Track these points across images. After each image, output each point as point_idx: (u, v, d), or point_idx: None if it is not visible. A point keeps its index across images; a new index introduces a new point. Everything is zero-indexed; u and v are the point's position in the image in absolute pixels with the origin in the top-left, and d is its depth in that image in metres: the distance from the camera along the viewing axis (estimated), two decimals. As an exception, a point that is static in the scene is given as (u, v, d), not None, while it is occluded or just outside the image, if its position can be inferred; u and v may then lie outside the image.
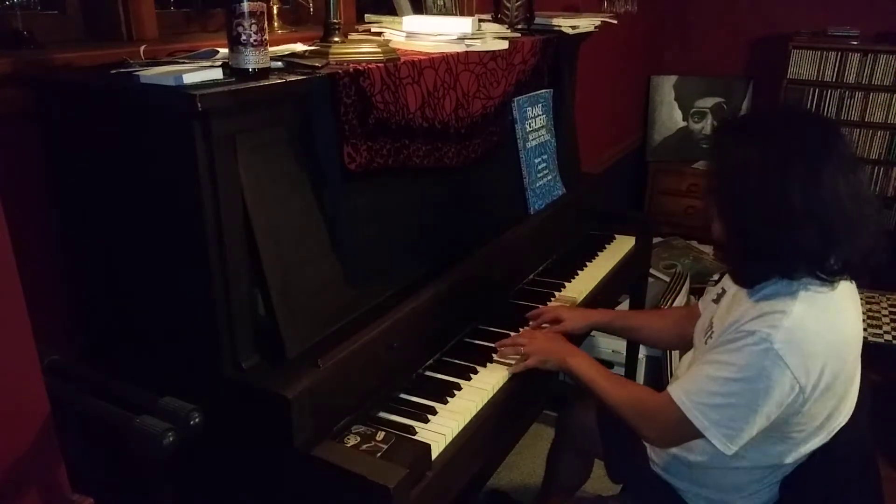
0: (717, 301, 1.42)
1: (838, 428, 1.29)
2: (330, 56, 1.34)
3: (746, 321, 1.21)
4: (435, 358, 1.56)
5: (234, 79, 1.14)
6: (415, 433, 1.30)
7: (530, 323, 1.73)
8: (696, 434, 1.26)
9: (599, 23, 2.30)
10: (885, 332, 2.94)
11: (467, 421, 1.38)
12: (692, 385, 1.26)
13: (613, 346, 2.72)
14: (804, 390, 1.18)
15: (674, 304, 2.80)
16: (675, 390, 1.28)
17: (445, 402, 1.41)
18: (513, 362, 1.55)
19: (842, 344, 1.22)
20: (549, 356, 1.52)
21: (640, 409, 1.37)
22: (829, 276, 1.19)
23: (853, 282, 1.28)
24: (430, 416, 1.36)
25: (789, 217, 1.15)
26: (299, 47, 1.45)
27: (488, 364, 1.55)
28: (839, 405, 1.27)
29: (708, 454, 1.34)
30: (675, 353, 2.56)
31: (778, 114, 1.37)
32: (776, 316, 1.18)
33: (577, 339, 1.82)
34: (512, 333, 1.67)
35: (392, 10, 1.91)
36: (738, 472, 1.35)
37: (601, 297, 2.03)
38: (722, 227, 1.27)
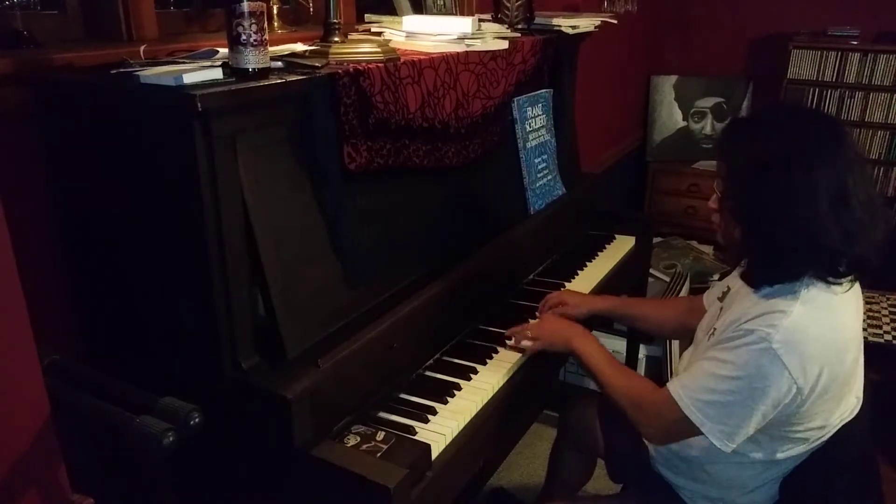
0: (721, 299, 1.42)
1: (837, 427, 1.29)
2: (330, 56, 1.34)
3: (747, 319, 1.21)
4: (435, 358, 1.56)
5: (234, 79, 1.14)
6: (415, 433, 1.30)
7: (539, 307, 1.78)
8: (695, 431, 1.26)
9: (599, 23, 2.30)
10: (886, 332, 2.94)
11: (467, 421, 1.38)
12: (691, 382, 1.27)
13: (613, 346, 2.72)
14: (801, 391, 1.18)
15: (674, 304, 2.80)
16: (675, 386, 1.28)
17: (445, 402, 1.41)
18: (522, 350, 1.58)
19: (841, 346, 1.21)
20: (555, 338, 1.54)
21: (640, 403, 1.36)
22: (835, 279, 1.19)
23: (857, 283, 1.27)
24: (430, 416, 1.36)
25: (815, 218, 1.14)
26: (299, 47, 1.45)
27: (488, 363, 1.55)
28: (836, 408, 1.27)
29: (706, 450, 1.34)
30: (676, 352, 2.56)
31: (787, 113, 1.34)
32: (776, 315, 1.18)
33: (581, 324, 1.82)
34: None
35: (392, 10, 1.91)
36: (736, 467, 1.35)
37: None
38: (738, 228, 1.25)
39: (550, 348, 1.55)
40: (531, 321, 1.68)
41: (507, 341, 1.61)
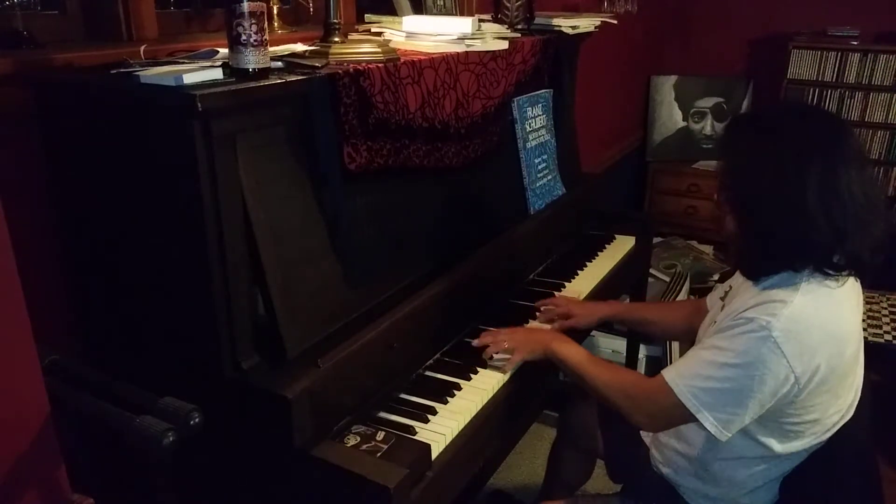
0: (723, 299, 1.42)
1: (837, 427, 1.29)
2: (330, 56, 1.34)
3: (746, 308, 1.22)
4: (435, 358, 1.56)
5: (234, 79, 1.14)
6: (415, 433, 1.30)
7: (538, 313, 1.76)
8: (689, 418, 1.26)
9: (599, 23, 2.30)
10: (885, 332, 2.94)
11: (467, 421, 1.38)
12: (687, 369, 1.27)
13: (613, 346, 2.73)
14: (799, 381, 1.19)
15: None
16: (670, 373, 1.28)
17: (445, 402, 1.41)
18: (499, 364, 1.52)
19: (840, 338, 1.22)
20: (534, 346, 1.51)
21: (631, 392, 1.35)
22: (834, 272, 1.20)
23: (857, 279, 1.28)
24: (430, 416, 1.36)
25: (805, 212, 1.16)
26: (299, 47, 1.45)
27: (488, 364, 1.55)
28: (834, 401, 1.27)
29: (707, 449, 1.35)
30: (676, 352, 2.56)
31: (788, 110, 1.37)
32: (776, 305, 1.19)
33: (583, 333, 1.82)
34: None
35: (392, 10, 1.91)
36: (736, 466, 1.35)
37: (601, 297, 2.02)
38: (735, 222, 1.27)
39: (531, 357, 1.52)
40: (503, 330, 1.60)
41: (488, 360, 1.52)
